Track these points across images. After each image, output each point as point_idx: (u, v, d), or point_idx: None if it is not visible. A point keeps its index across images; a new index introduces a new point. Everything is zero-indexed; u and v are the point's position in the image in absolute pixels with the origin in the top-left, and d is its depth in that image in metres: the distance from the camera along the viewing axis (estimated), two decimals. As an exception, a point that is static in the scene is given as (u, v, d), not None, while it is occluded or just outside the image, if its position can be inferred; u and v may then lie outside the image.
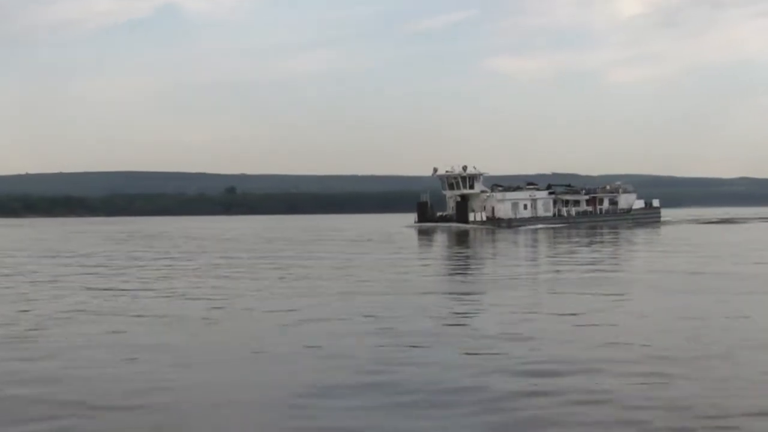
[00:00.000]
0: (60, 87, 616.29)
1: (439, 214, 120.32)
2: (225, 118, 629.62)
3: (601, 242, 72.49)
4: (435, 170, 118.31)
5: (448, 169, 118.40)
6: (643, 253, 56.51)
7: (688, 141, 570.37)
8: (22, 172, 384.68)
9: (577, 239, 76.82)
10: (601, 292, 28.61)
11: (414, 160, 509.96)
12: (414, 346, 18.52)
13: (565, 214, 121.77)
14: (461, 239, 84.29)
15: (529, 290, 30.70)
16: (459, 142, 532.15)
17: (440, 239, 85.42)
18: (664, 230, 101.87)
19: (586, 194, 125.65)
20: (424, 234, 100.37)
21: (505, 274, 38.42)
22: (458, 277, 38.77)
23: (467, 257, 54.19)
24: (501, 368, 16.04)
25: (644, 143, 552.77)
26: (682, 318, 22.41)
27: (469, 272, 41.66)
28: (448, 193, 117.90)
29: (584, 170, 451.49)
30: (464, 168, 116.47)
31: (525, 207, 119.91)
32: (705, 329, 20.32)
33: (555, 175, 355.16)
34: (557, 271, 39.76)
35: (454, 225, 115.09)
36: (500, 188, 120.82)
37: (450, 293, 30.56)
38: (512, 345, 18.55)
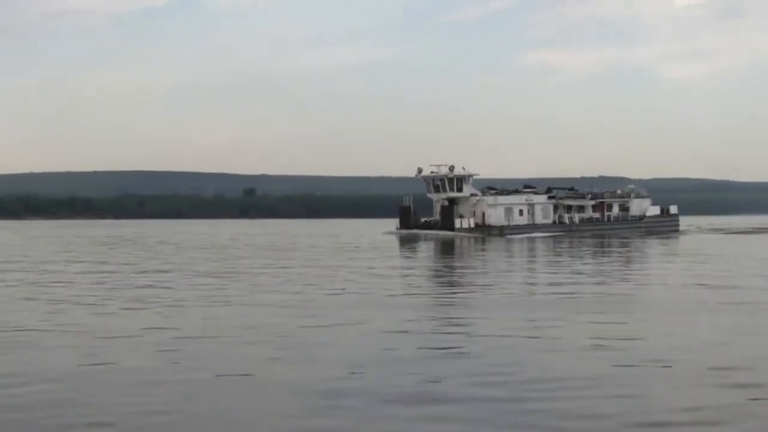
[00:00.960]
0: (67, 80, 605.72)
1: (423, 219, 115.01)
2: (246, 114, 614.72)
3: (607, 253, 66.92)
4: (419, 170, 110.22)
5: (434, 169, 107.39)
6: (655, 265, 51.43)
7: (748, 142, 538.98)
8: (27, 171, 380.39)
9: (579, 249, 71.99)
10: (619, 317, 24.47)
11: (449, 162, 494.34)
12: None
13: (568, 222, 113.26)
14: (444, 249, 78.85)
15: (530, 311, 26.23)
16: (498, 142, 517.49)
17: (421, 248, 79.55)
18: (682, 241, 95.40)
19: (592, 199, 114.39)
20: (406, 242, 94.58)
21: (496, 292, 33.29)
22: (436, 295, 33.32)
23: (444, 271, 48.40)
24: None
25: (699, 144, 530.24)
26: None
27: (448, 290, 35.89)
28: (433, 196, 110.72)
29: (633, 173, 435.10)
30: (451, 168, 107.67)
31: (520, 213, 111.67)
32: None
33: (602, 178, 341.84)
34: (560, 288, 34.65)
35: (438, 232, 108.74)
36: (492, 191, 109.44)
37: (424, 316, 25.57)
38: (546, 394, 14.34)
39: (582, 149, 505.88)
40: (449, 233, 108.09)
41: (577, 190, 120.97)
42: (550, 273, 44.53)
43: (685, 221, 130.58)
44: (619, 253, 67.53)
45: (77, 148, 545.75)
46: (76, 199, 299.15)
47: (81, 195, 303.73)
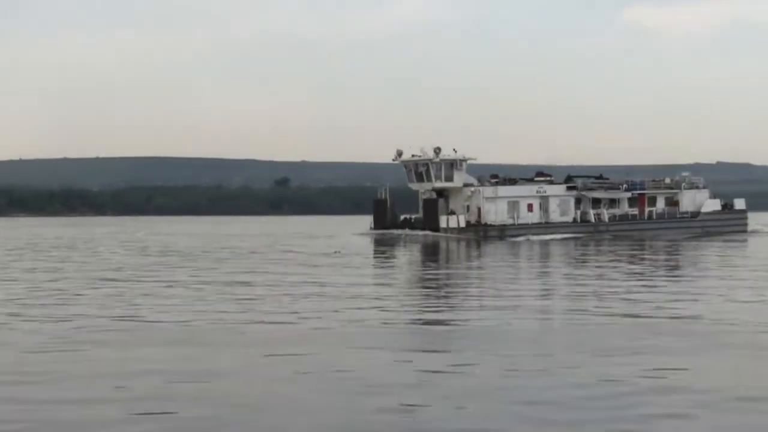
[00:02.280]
0: (59, 45, 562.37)
1: (403, 217, 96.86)
2: (281, 89, 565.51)
3: (647, 261, 55.33)
4: (399, 153, 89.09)
5: (417, 152, 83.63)
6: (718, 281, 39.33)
7: None
8: (15, 157, 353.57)
9: (607, 258, 59.15)
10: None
11: (537, 144, 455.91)
12: None
13: (593, 219, 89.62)
14: (424, 255, 66.97)
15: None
16: (594, 119, 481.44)
17: (393, 254, 67.15)
18: (751, 245, 77.79)
19: (627, 190, 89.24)
20: (380, 245, 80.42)
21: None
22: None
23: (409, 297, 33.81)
24: None
25: None
26: None
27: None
28: (416, 186, 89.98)
29: (760, 159, 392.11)
30: (437, 150, 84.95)
31: (530, 208, 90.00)
32: None
33: (720, 164, 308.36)
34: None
35: (419, 233, 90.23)
36: (493, 181, 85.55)
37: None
38: None
39: (692, 128, 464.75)
40: (433, 234, 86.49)
41: (606, 179, 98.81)
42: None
43: (757, 219, 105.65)
44: (656, 261, 56.20)
45: (76, 131, 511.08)
46: (71, 192, 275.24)
47: (78, 186, 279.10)
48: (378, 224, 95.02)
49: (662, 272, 45.93)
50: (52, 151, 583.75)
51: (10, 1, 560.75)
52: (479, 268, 50.88)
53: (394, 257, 64.10)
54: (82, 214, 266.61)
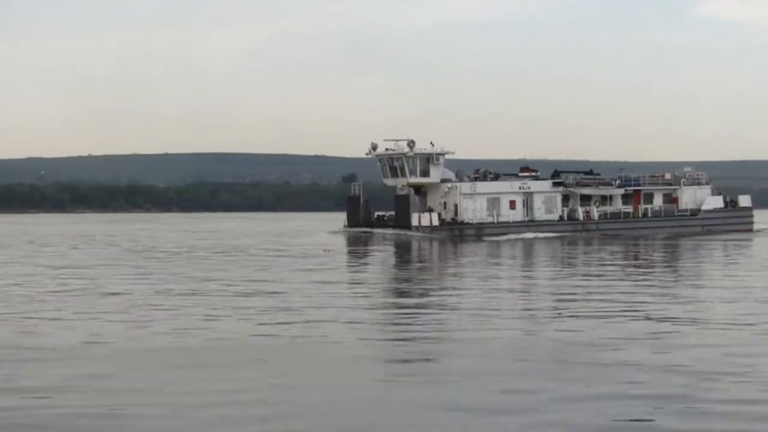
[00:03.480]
0: (129, 41, 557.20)
1: (378, 214, 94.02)
2: (354, 82, 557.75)
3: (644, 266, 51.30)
4: (373, 147, 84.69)
5: (391, 146, 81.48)
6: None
7: None
8: (84, 153, 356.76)
9: (596, 260, 55.96)
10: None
11: (606, 142, 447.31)
12: None
13: (582, 217, 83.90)
14: (389, 256, 64.27)
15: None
16: (673, 119, 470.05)
17: (354, 255, 64.67)
18: (756, 245, 74.10)
19: (621, 186, 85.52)
20: (353, 244, 78.65)
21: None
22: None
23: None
24: None
25: None
26: None
27: None
28: (390, 182, 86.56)
29: None
30: (410, 144, 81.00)
31: (512, 205, 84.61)
32: None
33: None
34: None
35: (390, 231, 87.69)
36: (473, 176, 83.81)
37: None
38: None
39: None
40: (404, 233, 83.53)
41: (597, 174, 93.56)
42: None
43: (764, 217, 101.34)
44: (649, 265, 52.68)
45: (144, 126, 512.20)
46: (135, 188, 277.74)
47: (146, 182, 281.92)
48: (351, 222, 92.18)
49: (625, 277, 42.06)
50: (121, 147, 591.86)
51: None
52: (418, 279, 43.17)
53: (336, 260, 57.63)
54: (147, 210, 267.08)
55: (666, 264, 52.85)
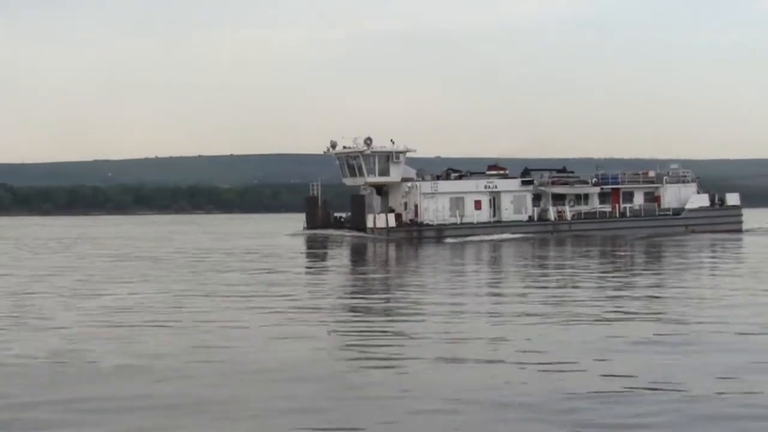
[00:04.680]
0: (193, 45, 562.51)
1: (337, 215, 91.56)
2: (414, 84, 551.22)
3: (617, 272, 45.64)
4: (332, 145, 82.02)
5: (350, 144, 79.61)
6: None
7: None
8: (151, 155, 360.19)
9: (565, 264, 51.87)
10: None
11: (670, 141, 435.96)
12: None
13: (554, 217, 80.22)
14: (343, 257, 61.62)
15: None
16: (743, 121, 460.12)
17: (302, 258, 62.40)
18: (745, 246, 69.44)
19: (598, 185, 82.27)
20: (313, 246, 75.82)
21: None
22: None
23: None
24: None
25: None
26: None
27: None
28: (348, 181, 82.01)
29: None
30: (367, 141, 78.78)
31: (477, 205, 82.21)
32: None
33: None
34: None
35: (346, 233, 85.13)
36: (435, 176, 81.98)
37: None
38: None
39: None
40: (360, 235, 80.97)
41: (571, 172, 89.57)
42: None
43: (754, 216, 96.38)
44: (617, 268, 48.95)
45: (210, 128, 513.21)
46: (198, 189, 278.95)
47: (211, 184, 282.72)
48: (310, 224, 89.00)
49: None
50: (187, 149, 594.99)
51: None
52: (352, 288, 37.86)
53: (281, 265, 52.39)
54: (208, 212, 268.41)
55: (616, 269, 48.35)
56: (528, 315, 26.05)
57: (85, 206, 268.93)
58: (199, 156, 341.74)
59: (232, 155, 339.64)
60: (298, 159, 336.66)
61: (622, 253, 61.94)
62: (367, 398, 15.51)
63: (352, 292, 35.67)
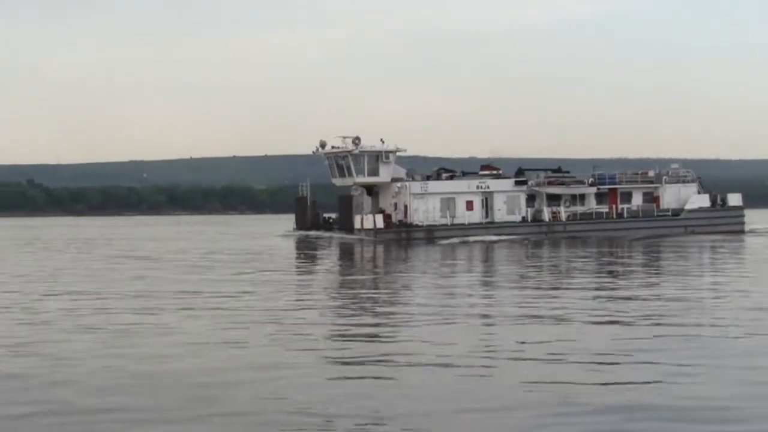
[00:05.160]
0: (229, 45, 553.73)
1: (326, 216, 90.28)
2: (441, 84, 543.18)
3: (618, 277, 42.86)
4: (321, 145, 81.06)
5: (338, 144, 78.82)
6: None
7: None
8: (185, 156, 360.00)
9: (560, 266, 50.12)
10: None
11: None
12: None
13: (549, 218, 78.26)
14: (329, 263, 56.89)
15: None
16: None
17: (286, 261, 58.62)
18: (748, 248, 67.21)
19: (594, 185, 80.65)
20: (303, 248, 73.66)
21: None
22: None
23: None
24: None
25: None
26: None
27: None
28: (338, 181, 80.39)
29: None
30: (355, 141, 77.47)
31: (469, 206, 79.86)
32: None
33: None
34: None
35: (334, 235, 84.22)
36: (425, 176, 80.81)
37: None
38: None
39: None
40: (347, 237, 79.71)
41: (567, 172, 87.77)
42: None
43: (757, 217, 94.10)
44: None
45: (245, 129, 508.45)
46: (231, 190, 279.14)
47: (245, 184, 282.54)
48: (300, 224, 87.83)
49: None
50: (222, 149, 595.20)
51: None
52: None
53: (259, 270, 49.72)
54: (241, 212, 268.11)
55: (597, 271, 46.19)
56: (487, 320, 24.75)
57: (118, 207, 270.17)
58: (234, 156, 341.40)
59: (266, 156, 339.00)
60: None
61: (610, 256, 60.29)
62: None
63: (297, 300, 32.41)
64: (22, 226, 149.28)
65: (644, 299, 30.03)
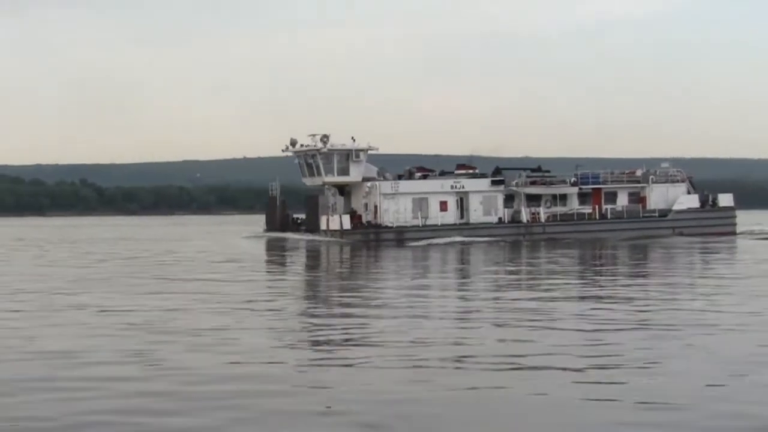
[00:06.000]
0: (279, 46, 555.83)
1: (295, 216, 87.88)
2: (497, 85, 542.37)
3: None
4: (292, 143, 78.78)
5: (307, 142, 77.05)
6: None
7: None
8: (239, 155, 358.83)
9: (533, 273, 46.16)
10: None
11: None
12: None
13: (527, 219, 75.40)
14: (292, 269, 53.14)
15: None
16: None
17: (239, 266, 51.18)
18: (739, 253, 62.17)
19: (576, 185, 77.77)
20: (273, 250, 71.39)
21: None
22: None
23: None
24: None
25: None
26: None
27: None
28: (308, 181, 77.83)
29: None
30: (323, 139, 75.21)
31: (443, 206, 77.85)
32: None
33: None
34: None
35: (301, 236, 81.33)
36: (396, 175, 78.77)
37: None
38: None
39: None
40: (314, 238, 77.66)
41: (547, 171, 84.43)
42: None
43: (750, 218, 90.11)
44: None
45: (297, 128, 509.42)
46: (283, 189, 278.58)
47: (294, 184, 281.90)
48: (269, 225, 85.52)
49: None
50: (275, 149, 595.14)
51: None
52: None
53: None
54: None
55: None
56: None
57: (170, 206, 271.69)
58: (286, 156, 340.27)
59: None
60: (387, 159, 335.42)
61: (576, 260, 57.17)
62: None
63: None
64: (58, 225, 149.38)
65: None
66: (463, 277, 43.87)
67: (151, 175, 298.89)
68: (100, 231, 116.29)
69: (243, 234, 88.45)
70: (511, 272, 45.93)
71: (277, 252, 68.65)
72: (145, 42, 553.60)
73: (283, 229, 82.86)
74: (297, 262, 59.02)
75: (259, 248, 72.98)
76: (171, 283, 38.63)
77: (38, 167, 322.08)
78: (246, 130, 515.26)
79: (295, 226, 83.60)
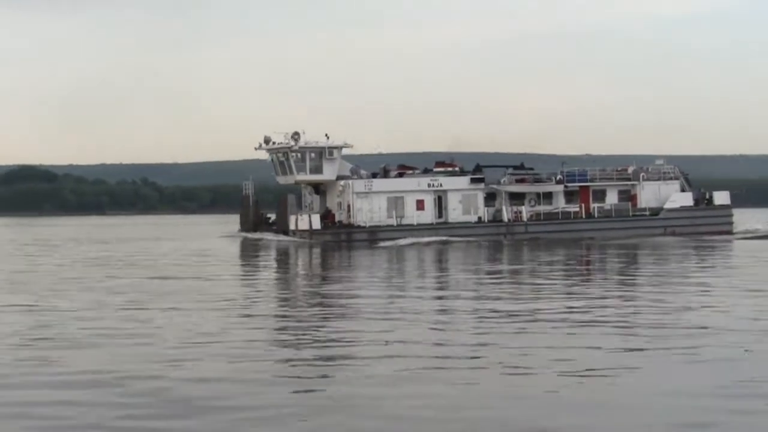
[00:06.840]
0: (332, 43, 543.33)
1: (267, 216, 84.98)
2: (572, 82, 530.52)
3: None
4: (266, 141, 76.46)
5: (280, 140, 74.22)
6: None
7: None
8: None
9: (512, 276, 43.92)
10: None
11: None
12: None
13: (509, 218, 71.52)
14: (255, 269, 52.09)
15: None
16: None
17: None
18: (735, 256, 58.25)
19: (561, 182, 74.61)
20: (247, 250, 69.49)
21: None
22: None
23: None
24: None
25: None
26: None
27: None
28: (281, 179, 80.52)
29: None
30: (295, 137, 72.39)
31: (420, 205, 75.95)
32: None
33: None
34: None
35: (272, 237, 78.81)
36: (371, 173, 76.09)
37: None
38: None
39: None
40: (284, 238, 75.19)
41: (530, 169, 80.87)
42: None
43: (749, 216, 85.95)
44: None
45: (361, 125, 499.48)
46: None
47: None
48: (243, 225, 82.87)
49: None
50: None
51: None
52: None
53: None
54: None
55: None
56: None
57: (227, 205, 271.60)
58: (348, 155, 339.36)
59: (380, 154, 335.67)
60: (435, 157, 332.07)
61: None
62: None
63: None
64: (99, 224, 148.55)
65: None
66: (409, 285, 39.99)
67: (213, 174, 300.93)
68: (138, 230, 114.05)
69: (218, 234, 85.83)
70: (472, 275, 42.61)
71: (250, 252, 66.21)
72: (205, 42, 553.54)
73: (256, 229, 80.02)
74: (274, 267, 56.00)
75: (233, 249, 70.13)
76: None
77: (102, 167, 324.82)
78: (308, 127, 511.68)
79: (268, 227, 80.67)
